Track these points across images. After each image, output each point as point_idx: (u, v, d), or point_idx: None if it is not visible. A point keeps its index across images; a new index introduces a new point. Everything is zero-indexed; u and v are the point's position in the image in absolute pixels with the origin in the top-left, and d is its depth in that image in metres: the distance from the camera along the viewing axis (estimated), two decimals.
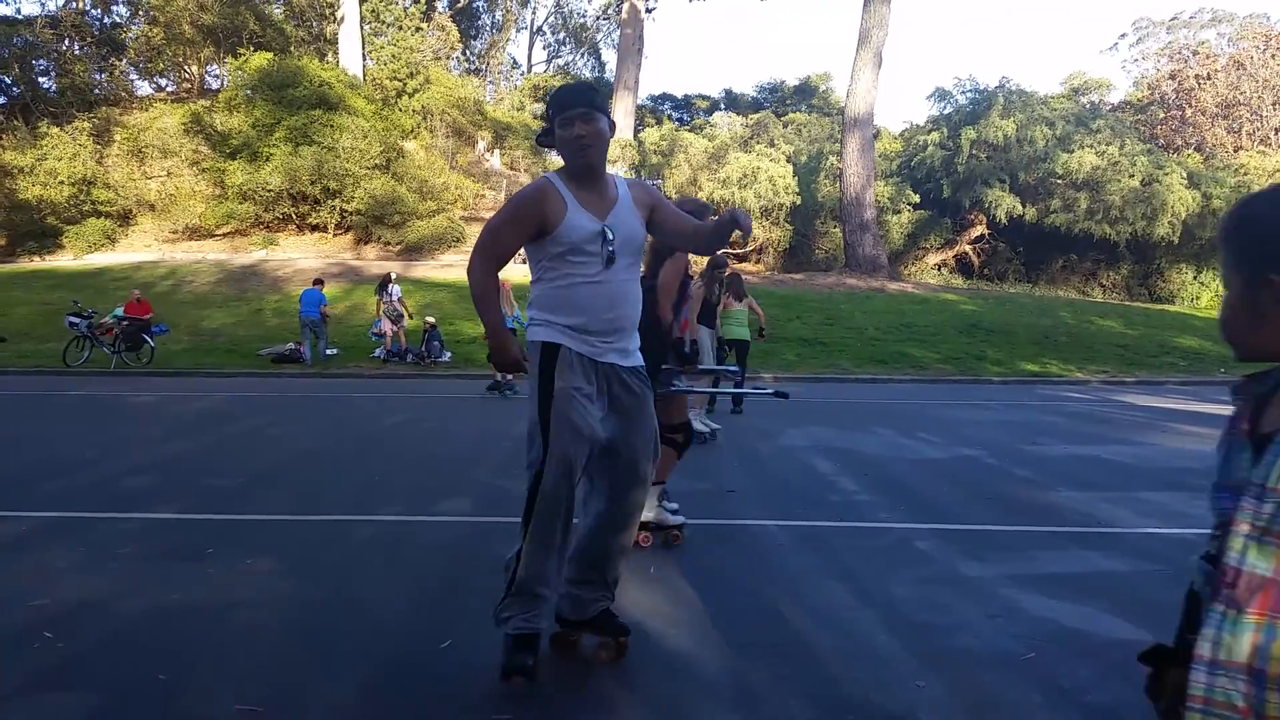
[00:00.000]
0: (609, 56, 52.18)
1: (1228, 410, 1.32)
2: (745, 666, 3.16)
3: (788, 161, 31.08)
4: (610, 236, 2.99)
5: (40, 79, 32.07)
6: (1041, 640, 3.42)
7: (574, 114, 2.96)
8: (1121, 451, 8.25)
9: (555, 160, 34.33)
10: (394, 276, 17.92)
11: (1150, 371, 18.06)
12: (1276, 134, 39.24)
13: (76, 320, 16.43)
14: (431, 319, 17.66)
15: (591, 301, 3.01)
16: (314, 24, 36.50)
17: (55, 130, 27.22)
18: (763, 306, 12.11)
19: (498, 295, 3.26)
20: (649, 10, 38.63)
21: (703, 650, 3.29)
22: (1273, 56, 39.75)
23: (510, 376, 11.49)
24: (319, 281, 17.66)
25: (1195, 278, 32.62)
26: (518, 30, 53.72)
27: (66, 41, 32.59)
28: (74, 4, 34.98)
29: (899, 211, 32.47)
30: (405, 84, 33.34)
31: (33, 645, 3.26)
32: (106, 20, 35.44)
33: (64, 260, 26.19)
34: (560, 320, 3.02)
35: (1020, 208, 31.45)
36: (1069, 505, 5.88)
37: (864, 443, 8.60)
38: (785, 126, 37.09)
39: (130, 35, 34.19)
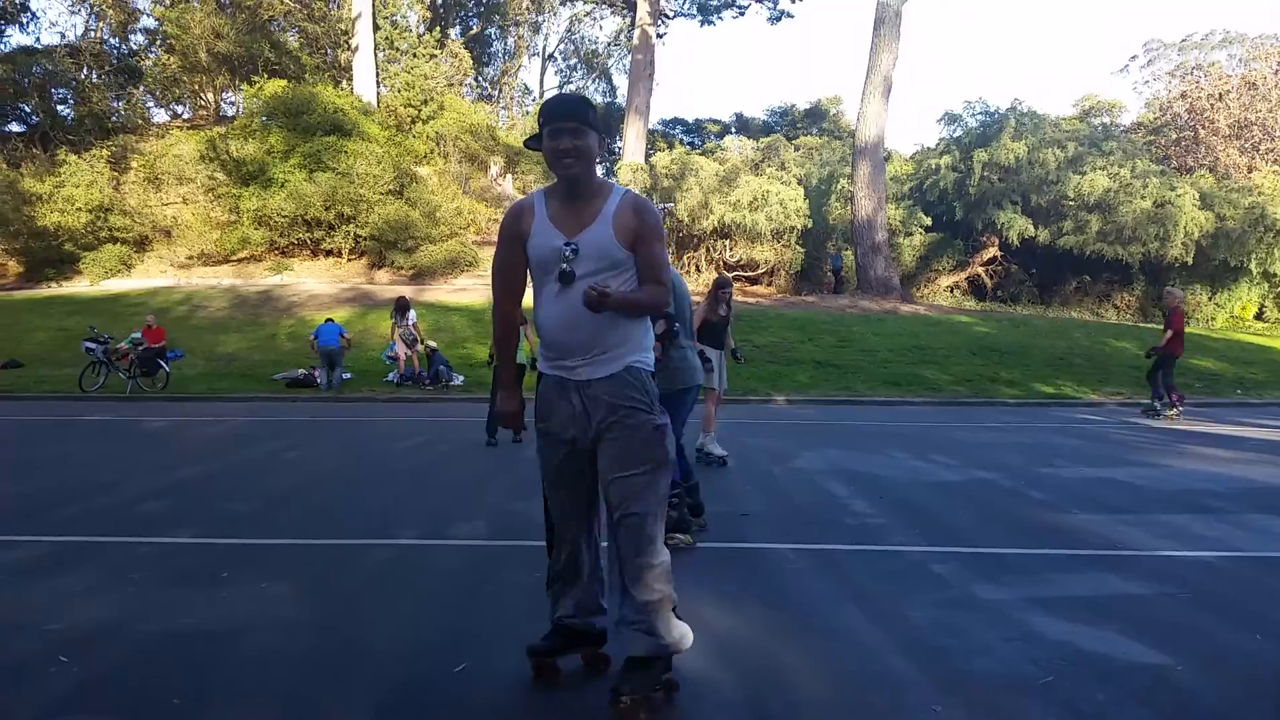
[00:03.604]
0: (620, 81, 52.67)
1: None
2: (761, 690, 3.14)
3: (799, 184, 31.14)
4: (570, 254, 2.92)
5: (59, 107, 32.54)
6: (1059, 664, 3.39)
7: (564, 126, 2.92)
8: (1138, 474, 8.19)
9: None
10: (409, 300, 18.00)
11: None
12: None
13: (93, 346, 16.55)
14: (433, 344, 17.67)
15: (549, 321, 3.01)
16: (328, 52, 36.93)
17: (73, 158, 27.54)
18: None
19: (514, 336, 3.29)
20: (660, 35, 38.87)
21: (718, 673, 3.27)
22: None
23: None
24: (330, 320, 17.67)
25: (1210, 299, 32.47)
26: (530, 57, 54.26)
27: (85, 70, 33.07)
28: (93, 33, 35.52)
29: (911, 234, 32.48)
30: (419, 111, 33.64)
31: (48, 670, 3.27)
32: (124, 49, 35.97)
33: (81, 286, 26.42)
34: (541, 340, 3.10)
35: (1032, 229, 31.44)
36: (1086, 528, 5.84)
37: (878, 465, 8.56)
38: (796, 150, 37.20)
39: (148, 63, 34.67)
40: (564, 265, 2.93)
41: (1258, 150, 40.00)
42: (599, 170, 3.10)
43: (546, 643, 3.20)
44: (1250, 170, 38.35)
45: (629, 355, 3.00)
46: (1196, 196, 30.51)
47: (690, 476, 5.63)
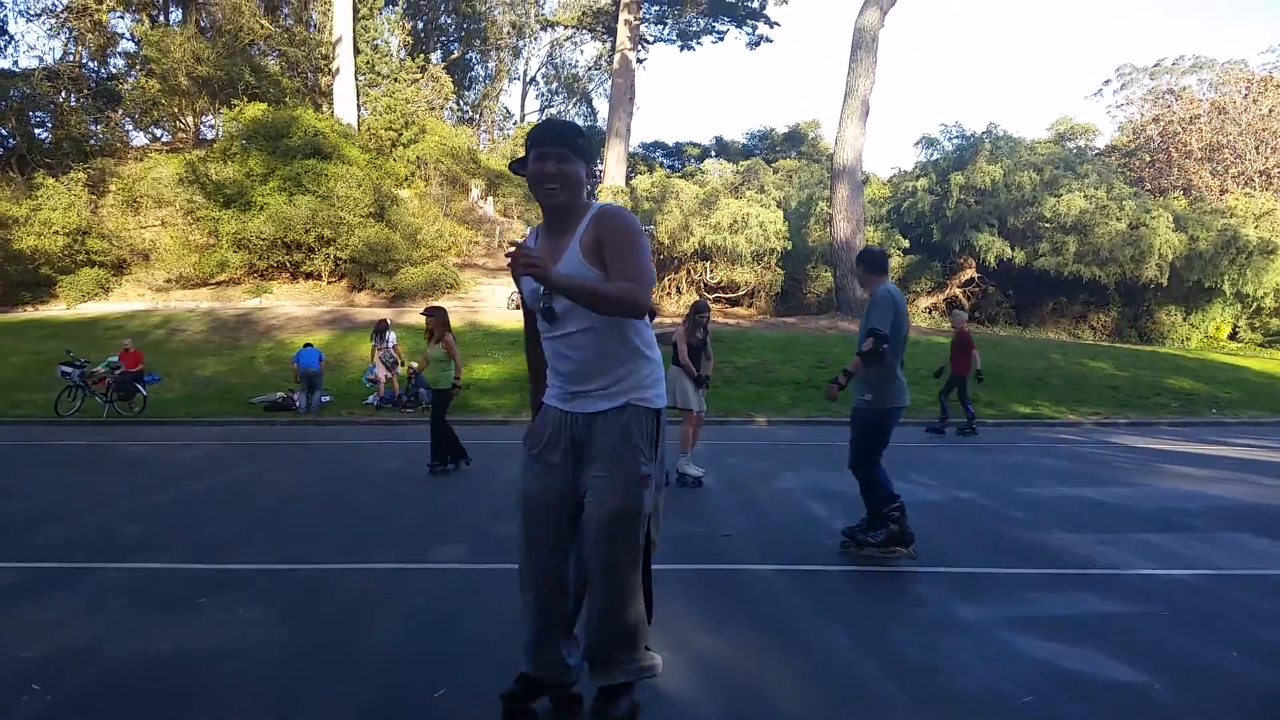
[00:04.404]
0: (601, 105, 53.13)
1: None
2: (743, 711, 3.13)
3: (778, 207, 31.34)
4: (546, 291, 2.85)
5: (37, 130, 32.40)
6: (1039, 682, 3.41)
7: (550, 150, 2.83)
8: (1116, 493, 8.25)
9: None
10: (389, 323, 17.94)
11: (1142, 412, 18.08)
12: (1261, 176, 39.79)
13: (69, 370, 16.38)
14: (415, 365, 17.64)
15: (548, 356, 2.99)
16: (309, 75, 36.98)
17: (51, 181, 27.37)
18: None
19: (532, 372, 3.22)
20: (640, 60, 39.20)
21: (700, 695, 3.26)
22: (1254, 101, 40.48)
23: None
24: (309, 345, 17.57)
25: (1185, 319, 32.83)
26: (511, 81, 54.65)
27: (63, 93, 32.96)
28: (71, 56, 35.43)
29: (889, 256, 32.65)
30: (400, 134, 33.70)
31: (20, 698, 3.22)
32: (103, 72, 35.89)
33: (57, 310, 26.19)
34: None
35: (1009, 251, 31.69)
36: (1065, 547, 5.87)
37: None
38: (775, 173, 37.46)
39: (127, 87, 34.58)
40: (544, 303, 2.88)
41: (1228, 172, 40.64)
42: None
43: (515, 688, 3.05)
44: (1222, 192, 38.95)
45: (628, 392, 2.89)
46: (1170, 219, 30.90)
47: (894, 498, 5.58)
